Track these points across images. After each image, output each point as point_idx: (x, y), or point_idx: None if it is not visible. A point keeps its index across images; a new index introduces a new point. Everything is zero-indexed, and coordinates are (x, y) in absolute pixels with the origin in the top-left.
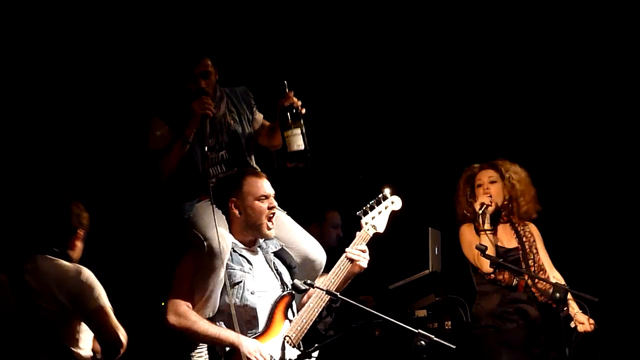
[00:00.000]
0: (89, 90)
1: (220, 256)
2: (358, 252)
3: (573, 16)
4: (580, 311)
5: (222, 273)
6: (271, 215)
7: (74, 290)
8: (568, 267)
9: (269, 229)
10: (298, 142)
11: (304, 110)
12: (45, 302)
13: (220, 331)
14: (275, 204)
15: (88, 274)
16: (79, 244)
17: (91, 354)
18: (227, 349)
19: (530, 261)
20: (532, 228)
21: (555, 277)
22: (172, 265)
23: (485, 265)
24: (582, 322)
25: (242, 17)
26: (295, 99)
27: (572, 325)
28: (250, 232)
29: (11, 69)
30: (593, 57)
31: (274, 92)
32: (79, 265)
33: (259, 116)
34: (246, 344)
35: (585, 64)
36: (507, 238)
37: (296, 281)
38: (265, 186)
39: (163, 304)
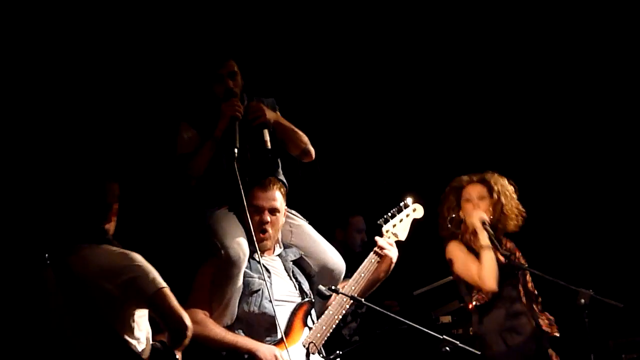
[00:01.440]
0: (115, 94)
1: (237, 264)
2: (386, 243)
3: (569, 27)
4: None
5: (240, 281)
6: (260, 229)
7: (127, 276)
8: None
9: (259, 240)
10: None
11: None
12: (95, 293)
13: (237, 338)
14: (267, 219)
15: (138, 258)
16: (114, 218)
17: (148, 343)
18: (246, 356)
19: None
20: (510, 244)
21: None
22: (192, 273)
23: (490, 282)
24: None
25: (264, 24)
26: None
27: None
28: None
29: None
30: (587, 65)
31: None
32: (126, 251)
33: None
34: (263, 350)
35: (580, 72)
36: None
37: (321, 287)
38: (262, 198)
39: None
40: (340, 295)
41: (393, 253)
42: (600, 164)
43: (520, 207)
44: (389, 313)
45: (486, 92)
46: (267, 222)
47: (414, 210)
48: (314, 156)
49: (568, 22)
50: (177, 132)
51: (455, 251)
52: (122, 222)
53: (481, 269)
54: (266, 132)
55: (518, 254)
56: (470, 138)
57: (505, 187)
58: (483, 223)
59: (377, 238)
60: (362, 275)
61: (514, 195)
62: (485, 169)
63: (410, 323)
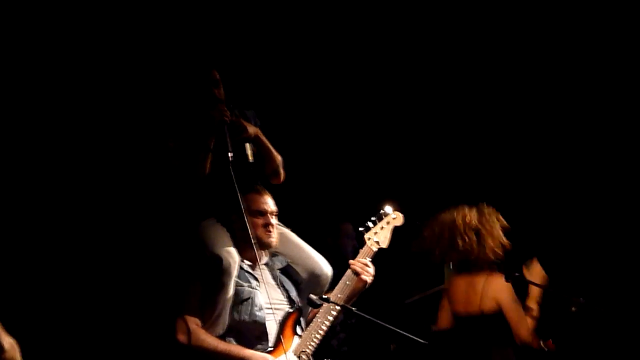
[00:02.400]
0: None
1: (228, 272)
2: (361, 265)
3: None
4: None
5: (231, 290)
6: (266, 230)
7: None
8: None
9: (267, 236)
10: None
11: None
12: None
13: (229, 347)
14: (272, 221)
15: None
16: None
17: None
18: None
19: None
20: None
21: None
22: (182, 283)
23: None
24: None
25: (252, 30)
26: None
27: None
28: (251, 248)
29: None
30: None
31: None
32: None
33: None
34: (257, 357)
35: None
36: None
37: (312, 296)
38: (262, 202)
39: None
40: (329, 303)
41: (368, 275)
42: (583, 165)
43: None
44: (378, 321)
45: (476, 100)
46: (271, 225)
47: (393, 218)
48: (282, 180)
49: (564, 27)
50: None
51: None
52: (113, 232)
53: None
54: (248, 146)
55: None
56: (463, 144)
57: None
58: None
59: (350, 262)
60: (347, 283)
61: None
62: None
63: (401, 331)
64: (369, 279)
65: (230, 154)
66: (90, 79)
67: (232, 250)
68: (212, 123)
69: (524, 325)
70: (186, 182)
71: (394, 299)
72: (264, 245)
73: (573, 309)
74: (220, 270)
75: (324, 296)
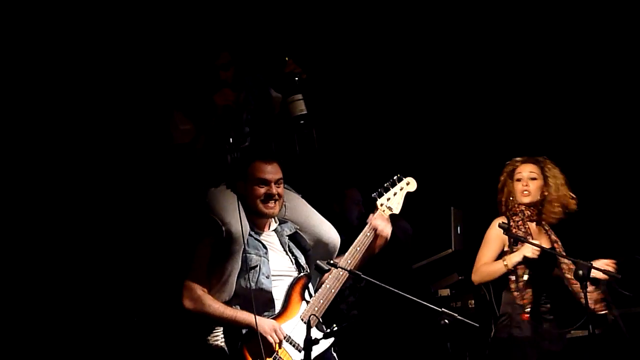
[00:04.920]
0: (109, 83)
1: (238, 240)
2: (380, 222)
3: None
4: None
5: (239, 257)
6: (267, 201)
7: None
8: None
9: (267, 208)
10: (300, 106)
11: (304, 76)
12: None
13: (236, 313)
14: (275, 191)
15: None
16: None
17: None
18: (244, 330)
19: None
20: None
21: None
22: (189, 249)
23: (476, 277)
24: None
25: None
26: (294, 65)
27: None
28: (254, 214)
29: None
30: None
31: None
32: None
33: (277, 96)
34: (262, 323)
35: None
36: (539, 238)
37: (319, 262)
38: (266, 171)
39: None
40: (337, 269)
41: (387, 231)
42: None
43: (569, 199)
44: (387, 287)
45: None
46: (274, 195)
47: (407, 184)
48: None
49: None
50: (171, 121)
51: (491, 230)
52: (121, 203)
53: (485, 265)
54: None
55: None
56: (472, 110)
57: (557, 176)
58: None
59: (371, 216)
60: (358, 249)
61: (565, 187)
62: (493, 141)
63: (409, 296)
64: (388, 230)
65: (230, 140)
66: (99, 57)
67: (243, 218)
68: (214, 106)
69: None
70: (184, 155)
71: (402, 264)
72: (263, 216)
73: (580, 273)
74: (230, 238)
75: (331, 261)
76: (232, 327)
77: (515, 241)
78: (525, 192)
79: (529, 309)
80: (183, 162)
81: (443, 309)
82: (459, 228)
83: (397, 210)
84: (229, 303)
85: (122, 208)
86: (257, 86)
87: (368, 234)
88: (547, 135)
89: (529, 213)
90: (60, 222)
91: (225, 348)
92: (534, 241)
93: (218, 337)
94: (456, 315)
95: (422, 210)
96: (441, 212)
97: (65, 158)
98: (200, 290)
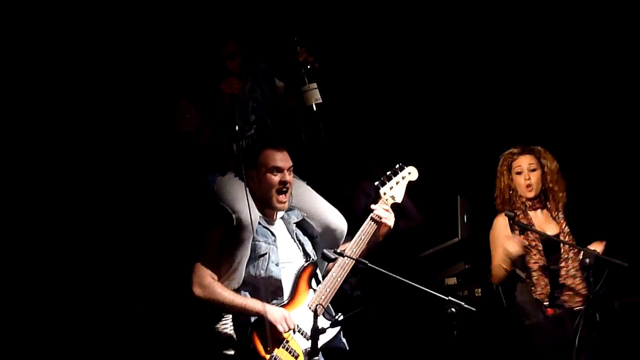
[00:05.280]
0: (115, 73)
1: (248, 228)
2: (383, 211)
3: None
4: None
5: (249, 245)
6: (281, 189)
7: None
8: None
9: (279, 202)
10: (316, 95)
11: (317, 65)
12: None
13: (245, 301)
14: (289, 178)
15: None
16: None
17: None
18: (253, 318)
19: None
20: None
21: None
22: (196, 236)
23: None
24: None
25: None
26: (307, 54)
27: None
28: (264, 204)
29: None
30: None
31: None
32: None
33: (281, 84)
34: (272, 312)
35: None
36: (546, 225)
37: (326, 250)
38: (279, 159)
39: None
40: (343, 257)
41: (390, 220)
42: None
43: (565, 182)
44: (391, 274)
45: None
46: (288, 182)
47: (409, 173)
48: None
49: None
50: (176, 109)
51: (494, 230)
52: (126, 193)
53: (496, 268)
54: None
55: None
56: (476, 99)
57: (551, 161)
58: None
59: (373, 206)
60: (362, 238)
61: (558, 170)
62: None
63: (416, 285)
64: (391, 222)
65: (236, 128)
66: (106, 44)
67: (253, 206)
68: (221, 95)
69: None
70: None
71: (409, 252)
72: (274, 208)
73: (587, 261)
74: (240, 226)
75: (337, 250)
76: (241, 315)
77: (522, 230)
78: (529, 187)
79: (546, 303)
80: (187, 150)
81: (450, 298)
82: (465, 217)
83: (399, 199)
84: (237, 291)
85: (129, 197)
86: (262, 75)
87: (372, 223)
88: (550, 123)
89: (530, 204)
90: (68, 212)
91: (234, 336)
92: (538, 230)
93: (227, 326)
94: (463, 303)
95: (428, 199)
96: (448, 201)
97: (74, 145)
98: (209, 278)
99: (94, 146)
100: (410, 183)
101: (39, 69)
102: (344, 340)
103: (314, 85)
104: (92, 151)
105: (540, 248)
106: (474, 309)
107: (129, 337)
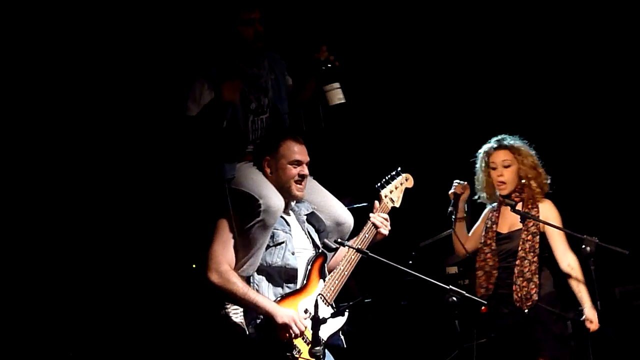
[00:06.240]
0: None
1: (276, 215)
2: (381, 220)
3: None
4: (592, 305)
5: (270, 232)
6: (299, 180)
7: None
8: None
9: (298, 190)
10: (339, 95)
11: (337, 63)
12: None
13: (257, 298)
14: (307, 172)
15: None
16: None
17: None
18: (258, 320)
19: (527, 243)
20: (546, 208)
21: (570, 263)
22: (209, 222)
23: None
24: (592, 320)
25: None
26: (328, 53)
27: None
28: (282, 193)
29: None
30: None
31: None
32: None
33: (289, 80)
34: (282, 313)
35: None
36: (510, 222)
37: (326, 241)
38: (300, 152)
39: (194, 265)
40: (349, 251)
41: (385, 230)
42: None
43: (543, 180)
44: (395, 265)
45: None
46: (306, 176)
47: (406, 180)
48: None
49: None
50: (190, 90)
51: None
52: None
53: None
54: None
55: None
56: (474, 92)
57: (526, 154)
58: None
59: (370, 215)
60: (367, 235)
61: (536, 161)
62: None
63: (417, 274)
64: (386, 232)
65: (252, 106)
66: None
67: (277, 192)
68: (223, 95)
69: None
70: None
71: (410, 242)
72: (292, 197)
73: (587, 249)
74: (268, 212)
75: (338, 240)
76: (251, 311)
77: (523, 218)
78: (500, 184)
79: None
80: (197, 135)
81: (451, 287)
82: (465, 206)
83: (397, 204)
84: (251, 277)
85: (141, 183)
86: (277, 62)
87: (368, 233)
88: (550, 123)
89: (502, 200)
90: (80, 200)
91: (244, 325)
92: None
93: (238, 312)
94: (464, 292)
95: (429, 188)
96: (446, 190)
97: (89, 133)
98: (226, 265)
99: (109, 133)
100: (406, 189)
101: (50, 56)
102: (342, 337)
103: (337, 84)
104: (108, 138)
105: (494, 247)
106: (484, 302)
107: (144, 320)
